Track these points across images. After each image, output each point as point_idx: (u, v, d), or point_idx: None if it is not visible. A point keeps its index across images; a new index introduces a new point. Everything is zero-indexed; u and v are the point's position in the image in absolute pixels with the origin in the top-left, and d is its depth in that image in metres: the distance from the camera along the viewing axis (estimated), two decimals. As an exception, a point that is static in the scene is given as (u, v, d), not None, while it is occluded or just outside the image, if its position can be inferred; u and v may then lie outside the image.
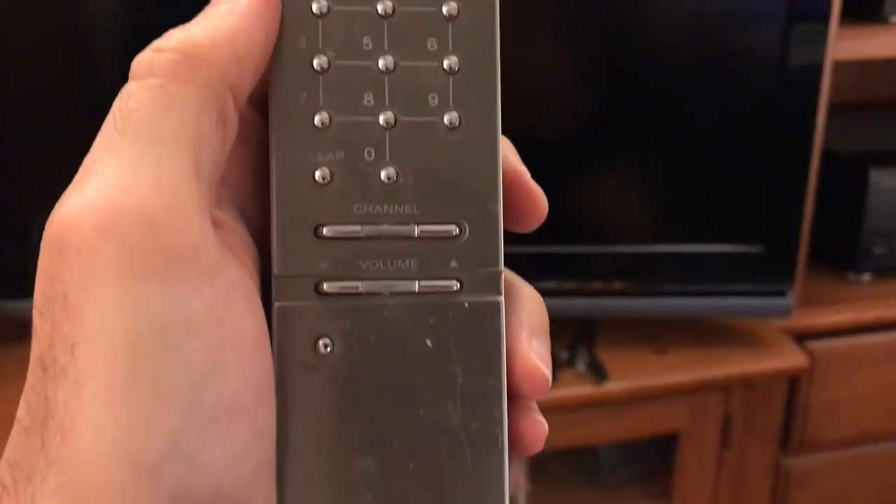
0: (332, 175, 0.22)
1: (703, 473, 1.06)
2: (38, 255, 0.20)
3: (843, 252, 1.13)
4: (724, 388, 1.02)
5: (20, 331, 1.04)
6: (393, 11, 0.22)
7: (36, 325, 0.19)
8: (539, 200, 0.25)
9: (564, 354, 0.99)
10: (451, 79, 0.23)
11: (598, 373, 0.96)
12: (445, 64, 0.23)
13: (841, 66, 0.97)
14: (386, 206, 0.23)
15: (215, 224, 0.21)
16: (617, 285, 0.98)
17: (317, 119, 0.22)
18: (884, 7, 1.01)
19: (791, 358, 1.01)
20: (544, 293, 0.25)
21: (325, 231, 0.22)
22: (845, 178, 1.10)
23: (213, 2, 0.22)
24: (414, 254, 0.23)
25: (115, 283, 0.19)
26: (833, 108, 0.98)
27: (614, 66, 0.93)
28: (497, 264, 0.23)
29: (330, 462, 0.22)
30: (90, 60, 0.90)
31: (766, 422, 1.06)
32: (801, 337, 1.07)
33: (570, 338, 1.02)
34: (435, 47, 0.23)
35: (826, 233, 1.09)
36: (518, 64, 0.90)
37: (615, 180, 0.97)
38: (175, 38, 0.21)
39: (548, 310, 0.25)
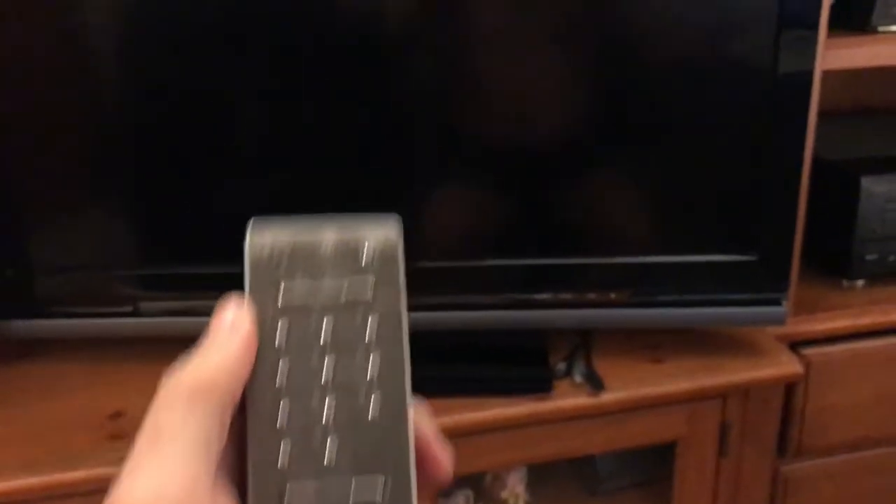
0: (290, 461, 0.31)
1: (701, 481, 1.07)
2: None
3: (836, 259, 1.14)
4: (721, 396, 1.02)
5: (20, 349, 1.04)
6: (332, 345, 0.32)
7: None
8: (442, 464, 0.33)
9: (561, 366, 1.00)
10: (374, 393, 0.32)
11: (595, 383, 0.97)
12: (368, 376, 0.32)
13: (830, 75, 0.98)
14: (329, 479, 0.31)
15: (215, 492, 0.30)
16: (613, 296, 0.98)
17: (278, 423, 0.31)
18: (872, 16, 1.02)
19: (787, 365, 1.02)
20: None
21: (286, 500, 0.31)
22: (837, 186, 1.11)
23: (212, 336, 0.31)
24: None
25: None
26: (823, 117, 0.99)
27: (606, 76, 0.93)
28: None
29: None
30: (92, 88, 0.90)
31: (763, 429, 1.06)
32: (797, 344, 1.07)
33: (566, 349, 1.03)
34: (364, 366, 0.32)
35: (819, 240, 1.10)
36: (513, 75, 0.91)
37: (609, 191, 0.98)
38: (192, 373, 0.30)
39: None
